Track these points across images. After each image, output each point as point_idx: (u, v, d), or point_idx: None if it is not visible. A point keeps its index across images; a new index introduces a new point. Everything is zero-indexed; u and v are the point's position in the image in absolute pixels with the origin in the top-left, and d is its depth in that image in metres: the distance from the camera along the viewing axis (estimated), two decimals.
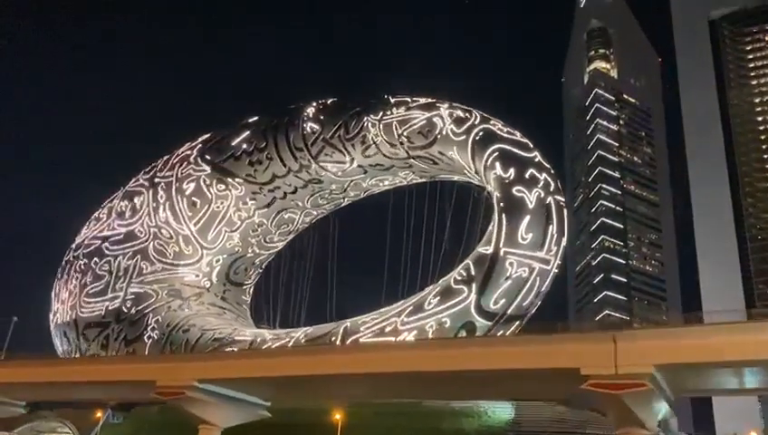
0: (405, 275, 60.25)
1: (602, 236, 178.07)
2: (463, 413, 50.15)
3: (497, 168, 51.02)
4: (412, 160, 60.02)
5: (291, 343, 55.45)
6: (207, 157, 71.11)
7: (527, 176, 50.49)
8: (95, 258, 73.83)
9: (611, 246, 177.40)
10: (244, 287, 79.14)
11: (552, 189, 50.81)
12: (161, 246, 71.87)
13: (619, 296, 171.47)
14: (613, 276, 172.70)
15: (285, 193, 70.52)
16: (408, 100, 59.99)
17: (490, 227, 50.21)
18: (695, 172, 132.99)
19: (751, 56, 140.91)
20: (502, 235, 48.72)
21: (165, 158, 76.90)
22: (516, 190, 49.67)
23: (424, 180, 65.36)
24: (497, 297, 48.56)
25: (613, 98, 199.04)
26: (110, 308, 69.60)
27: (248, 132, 69.26)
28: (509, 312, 49.50)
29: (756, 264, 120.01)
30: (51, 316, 77.62)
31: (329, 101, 65.79)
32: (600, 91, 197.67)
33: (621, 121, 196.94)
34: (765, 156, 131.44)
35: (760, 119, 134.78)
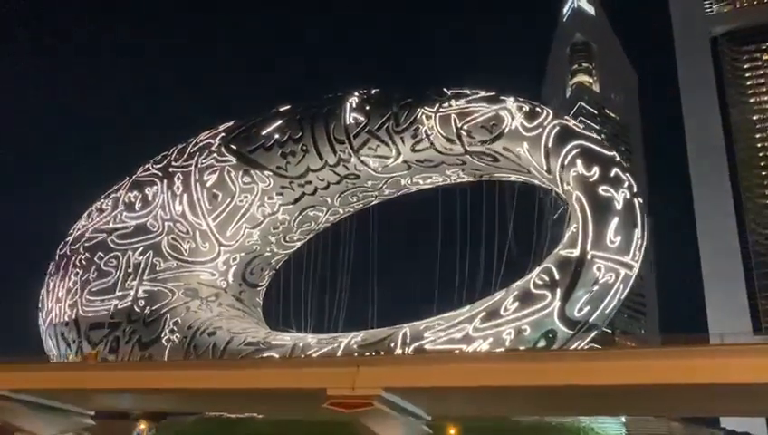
0: (461, 278, 56.16)
1: None
2: (566, 429, 46.25)
3: (578, 166, 47.60)
4: (468, 157, 56.10)
5: (340, 350, 50.60)
6: (233, 146, 65.57)
7: (612, 175, 47.29)
8: (99, 253, 67.17)
9: None
10: (258, 289, 73.62)
11: (635, 191, 47.71)
12: (176, 241, 65.91)
13: None
14: None
15: (316, 189, 65.54)
16: (467, 91, 56.14)
17: (572, 229, 46.60)
18: (698, 191, 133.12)
19: (748, 75, 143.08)
20: (588, 237, 45.26)
21: (179, 147, 70.91)
22: (603, 190, 46.35)
23: (470, 179, 61.56)
24: (582, 304, 45.06)
25: (596, 112, 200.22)
26: (119, 307, 63.17)
27: (281, 121, 64.11)
28: (591, 320, 46.18)
29: (760, 279, 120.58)
30: (42, 316, 70.46)
31: (373, 91, 61.35)
32: (584, 105, 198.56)
33: (603, 136, 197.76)
34: (764, 172, 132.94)
35: (758, 136, 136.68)
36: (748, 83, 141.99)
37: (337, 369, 40.14)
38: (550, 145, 49.72)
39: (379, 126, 58.64)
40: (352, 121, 60.02)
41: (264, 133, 64.37)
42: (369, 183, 64.75)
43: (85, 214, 73.33)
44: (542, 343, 45.27)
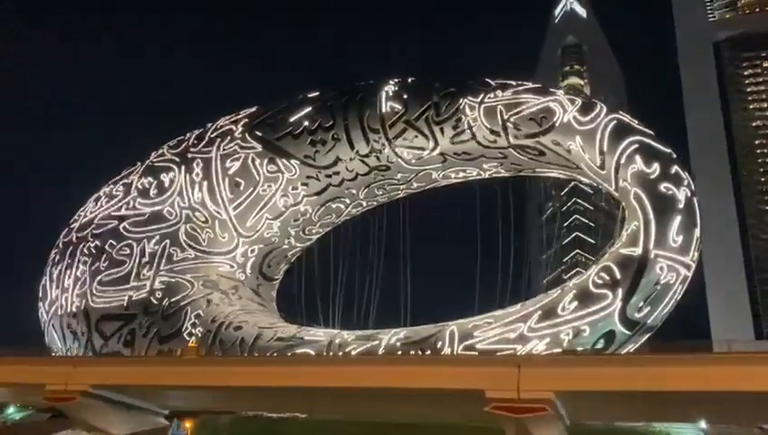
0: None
1: (577, 251, 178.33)
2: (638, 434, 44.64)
3: (638, 162, 46.02)
4: (510, 150, 54.19)
5: (382, 348, 48.26)
6: (258, 133, 62.61)
7: (672, 172, 45.83)
8: (111, 240, 63.62)
9: (585, 260, 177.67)
10: (274, 283, 70.87)
11: (694, 190, 46.36)
12: (194, 230, 62.80)
13: None
14: None
15: (343, 180, 63.00)
16: (513, 83, 54.25)
17: (632, 227, 44.99)
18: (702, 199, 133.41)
19: (748, 81, 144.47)
20: (651, 235, 43.71)
21: (196, 132, 67.71)
22: (664, 187, 44.84)
23: (508, 174, 59.79)
24: (643, 305, 43.56)
25: None
26: (134, 299, 59.81)
27: (310, 108, 61.36)
28: (648, 322, 44.74)
29: (761, 284, 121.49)
30: (44, 306, 66.62)
31: (410, 79, 59.05)
32: None
33: None
34: (764, 178, 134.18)
35: (758, 142, 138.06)
36: (748, 90, 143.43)
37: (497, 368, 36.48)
38: (605, 140, 48.02)
39: (417, 115, 56.38)
40: (389, 110, 57.63)
41: (291, 120, 61.55)
42: (399, 175, 62.46)
43: (91, 199, 69.67)
44: (600, 344, 43.73)
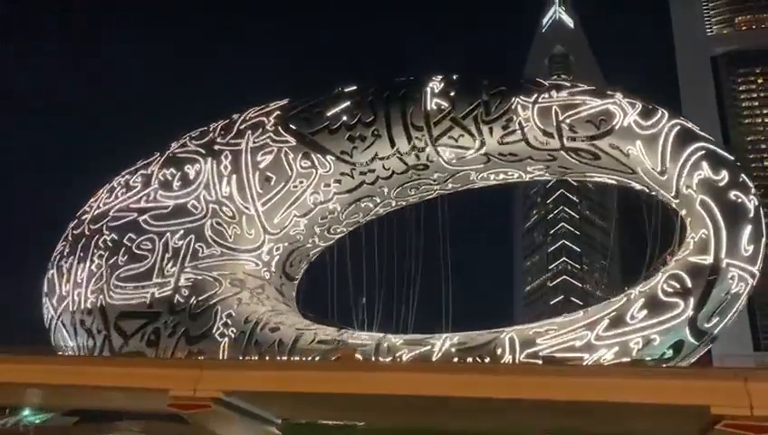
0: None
1: (563, 259, 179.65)
2: None
3: (705, 169, 45.14)
4: (561, 153, 52.86)
5: (438, 354, 46.28)
6: (292, 126, 60.02)
7: (740, 180, 45.18)
8: (130, 234, 60.21)
9: (570, 268, 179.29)
10: (294, 282, 68.22)
11: (758, 199, 45.78)
12: (220, 225, 59.85)
13: None
14: (572, 299, 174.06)
15: (378, 178, 60.78)
16: (567, 84, 53.21)
17: (701, 235, 44.05)
18: None
19: (743, 96, 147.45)
20: (723, 244, 42.82)
21: (221, 123, 64.70)
22: (734, 195, 44.09)
23: (553, 178, 58.69)
24: (713, 315, 42.65)
25: None
26: (157, 296, 56.57)
27: (348, 103, 59.06)
28: (715, 332, 43.91)
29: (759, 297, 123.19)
30: (50, 302, 62.69)
31: (455, 76, 57.39)
32: None
33: None
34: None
35: (751, 157, 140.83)
36: (744, 104, 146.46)
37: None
38: (669, 145, 47.08)
39: (465, 114, 54.63)
40: (434, 107, 55.76)
41: (329, 115, 59.15)
42: (436, 175, 60.58)
43: (104, 190, 66.06)
44: (668, 354, 42.68)
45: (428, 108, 56.01)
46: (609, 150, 50.29)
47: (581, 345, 43.12)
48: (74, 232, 64.70)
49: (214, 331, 53.57)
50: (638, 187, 53.41)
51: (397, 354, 47.42)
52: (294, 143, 59.57)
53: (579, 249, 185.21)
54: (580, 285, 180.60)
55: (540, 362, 43.24)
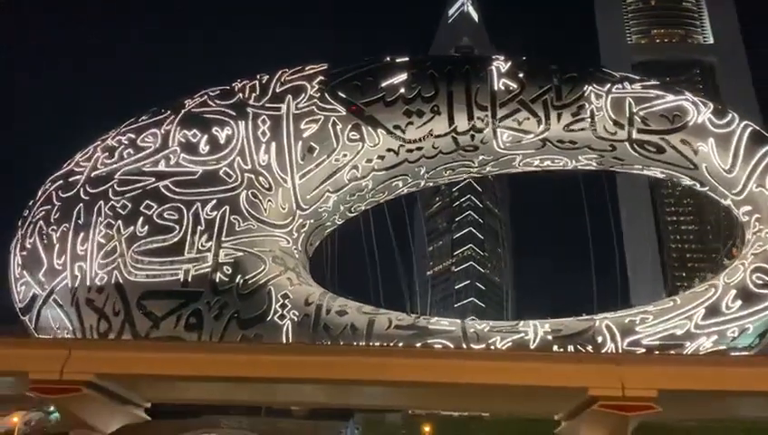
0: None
1: (470, 245, 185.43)
2: None
3: None
4: (625, 144, 53.77)
5: (534, 342, 45.28)
6: (342, 94, 55.40)
7: None
8: (148, 201, 52.69)
9: (475, 254, 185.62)
10: (308, 263, 63.68)
11: None
12: (255, 197, 54.13)
13: (480, 303, 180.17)
14: (477, 284, 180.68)
15: (421, 157, 57.93)
16: (636, 77, 54.12)
17: None
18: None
19: None
20: None
21: (246, 83, 58.32)
22: None
23: (597, 168, 59.56)
24: None
25: None
26: (194, 274, 49.87)
27: (406, 75, 55.61)
28: None
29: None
30: (34, 277, 53.24)
31: (523, 58, 56.21)
32: None
33: None
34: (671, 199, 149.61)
35: None
36: None
37: None
38: (742, 146, 49.70)
39: (535, 97, 53.70)
40: (502, 88, 54.19)
41: (383, 85, 55.29)
42: (480, 158, 58.97)
43: (98, 148, 57.41)
44: (756, 342, 45.23)
45: (495, 88, 54.38)
46: (679, 145, 51.97)
47: (682, 334, 44.33)
48: (63, 195, 55.45)
49: (271, 314, 48.28)
50: (688, 182, 55.71)
51: (489, 341, 45.73)
52: (344, 113, 55.11)
53: (482, 236, 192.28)
54: (482, 270, 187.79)
55: (642, 350, 43.79)
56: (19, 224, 57.38)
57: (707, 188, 54.21)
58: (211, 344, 46.37)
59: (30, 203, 58.18)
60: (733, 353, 44.35)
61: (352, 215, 64.02)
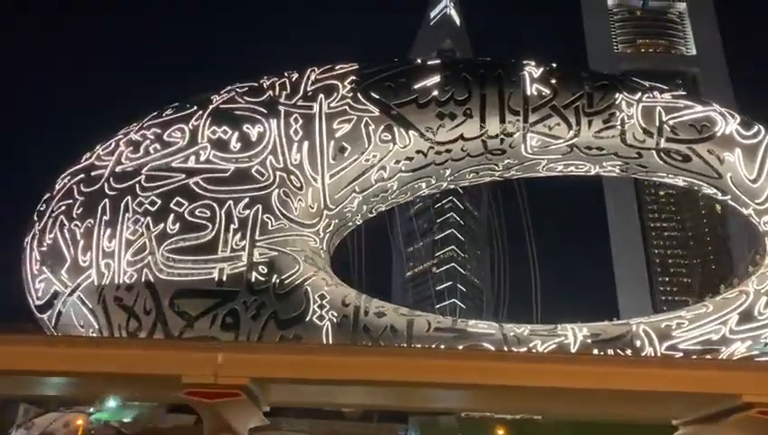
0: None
1: (452, 247, 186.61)
2: None
3: None
4: (653, 152, 54.97)
5: (574, 346, 45.90)
6: (375, 95, 55.25)
7: None
8: (178, 198, 51.70)
9: (457, 256, 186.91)
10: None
11: None
12: (287, 196, 53.62)
13: (461, 305, 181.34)
14: (458, 286, 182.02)
15: (449, 159, 58.21)
16: (665, 87, 55.35)
17: None
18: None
19: None
20: None
21: (275, 80, 57.71)
22: None
23: (619, 175, 60.77)
24: None
25: None
26: (229, 273, 49.03)
27: (439, 77, 55.78)
28: None
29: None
30: (57, 274, 51.65)
31: (554, 65, 56.87)
32: None
33: None
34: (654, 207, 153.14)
35: None
36: None
37: None
38: None
39: (567, 103, 54.48)
40: (535, 93, 54.80)
41: (416, 87, 55.37)
42: (506, 162, 59.59)
43: (126, 142, 55.98)
44: None
45: (528, 92, 54.95)
46: (705, 155, 53.35)
47: (718, 339, 45.52)
48: (84, 189, 54.01)
49: (310, 314, 47.83)
50: (709, 190, 57.18)
51: (530, 345, 46.20)
52: (377, 114, 55.00)
53: (463, 238, 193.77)
54: (463, 271, 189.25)
55: (680, 354, 44.84)
56: (35, 218, 55.65)
57: (729, 197, 55.76)
58: (359, 348, 45.32)
59: (46, 196, 56.52)
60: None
61: (372, 215, 64.11)
